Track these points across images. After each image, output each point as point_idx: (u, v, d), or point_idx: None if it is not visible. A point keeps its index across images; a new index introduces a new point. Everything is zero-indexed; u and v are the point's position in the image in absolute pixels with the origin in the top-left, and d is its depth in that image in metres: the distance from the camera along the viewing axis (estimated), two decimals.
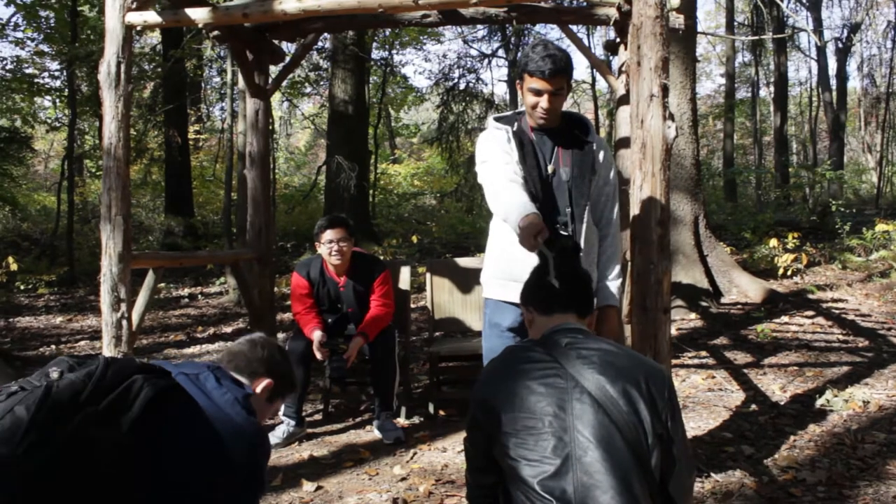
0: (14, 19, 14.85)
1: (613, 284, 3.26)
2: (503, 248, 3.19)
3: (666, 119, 3.55)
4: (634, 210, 3.59)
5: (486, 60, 16.36)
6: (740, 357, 6.19)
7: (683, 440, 2.01)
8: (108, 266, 4.24)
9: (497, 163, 3.09)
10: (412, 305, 5.69)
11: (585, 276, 2.45)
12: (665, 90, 3.56)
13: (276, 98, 17.89)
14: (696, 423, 4.54)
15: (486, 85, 31.18)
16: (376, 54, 18.71)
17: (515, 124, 3.20)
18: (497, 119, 3.26)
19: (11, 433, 1.56)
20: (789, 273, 9.20)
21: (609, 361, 1.96)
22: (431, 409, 5.04)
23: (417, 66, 40.62)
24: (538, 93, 3.04)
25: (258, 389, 2.24)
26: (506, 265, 3.17)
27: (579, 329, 2.17)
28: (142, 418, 1.71)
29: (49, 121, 19.28)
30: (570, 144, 3.20)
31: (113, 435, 1.67)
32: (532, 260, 2.55)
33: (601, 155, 3.23)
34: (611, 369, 1.94)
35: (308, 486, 3.79)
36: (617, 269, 3.29)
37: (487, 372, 2.15)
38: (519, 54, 16.52)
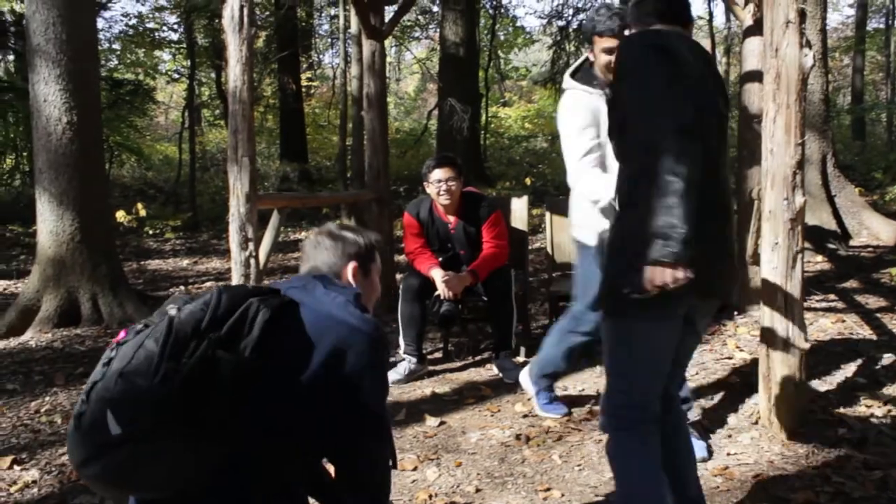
0: None
1: None
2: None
3: (802, 47, 3.36)
4: (767, 144, 3.43)
5: None
6: (872, 301, 5.89)
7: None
8: (236, 206, 4.34)
9: (582, 138, 3.32)
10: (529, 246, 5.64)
11: None
12: (802, 15, 3.37)
13: (385, 43, 17.96)
14: (826, 367, 4.37)
15: None
16: None
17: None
18: (576, 79, 3.47)
19: (147, 365, 1.65)
20: None
21: None
22: None
23: (528, 6, 39.62)
24: (610, 51, 3.21)
25: (350, 278, 2.18)
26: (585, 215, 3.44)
27: None
28: (262, 340, 1.76)
29: (169, 73, 19.99)
30: None
31: (237, 358, 1.73)
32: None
33: None
34: None
35: (431, 421, 3.87)
36: None
37: None
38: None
